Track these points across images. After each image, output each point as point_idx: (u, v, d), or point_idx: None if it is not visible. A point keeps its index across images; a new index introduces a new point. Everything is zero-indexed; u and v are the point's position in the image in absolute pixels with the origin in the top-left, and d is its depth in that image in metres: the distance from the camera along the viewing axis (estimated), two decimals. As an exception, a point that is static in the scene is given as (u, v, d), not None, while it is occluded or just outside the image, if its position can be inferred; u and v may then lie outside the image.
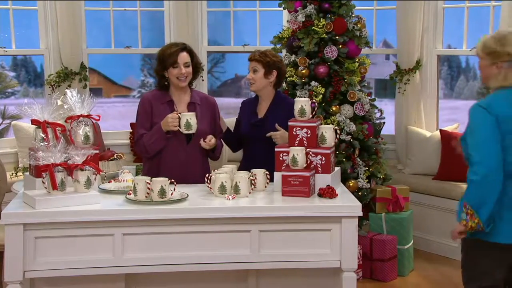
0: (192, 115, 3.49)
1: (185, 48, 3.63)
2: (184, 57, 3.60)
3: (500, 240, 2.80)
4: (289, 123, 3.27)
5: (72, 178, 2.96)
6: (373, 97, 4.96)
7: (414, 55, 5.68)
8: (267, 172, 3.22)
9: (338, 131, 3.30)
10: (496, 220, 2.80)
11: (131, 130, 5.78)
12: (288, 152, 3.15)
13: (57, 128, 3.14)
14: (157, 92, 3.69)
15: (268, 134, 3.58)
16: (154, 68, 3.72)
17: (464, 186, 4.98)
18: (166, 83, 3.65)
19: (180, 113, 3.51)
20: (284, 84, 4.77)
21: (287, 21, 5.02)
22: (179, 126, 3.47)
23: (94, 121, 3.23)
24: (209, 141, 3.55)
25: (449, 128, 5.59)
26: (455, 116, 8.76)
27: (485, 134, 2.78)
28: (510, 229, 2.81)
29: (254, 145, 3.70)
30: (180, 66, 3.57)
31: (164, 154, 3.57)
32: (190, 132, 3.49)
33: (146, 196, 2.98)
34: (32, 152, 3.06)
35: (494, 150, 2.77)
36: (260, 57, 3.68)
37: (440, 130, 5.49)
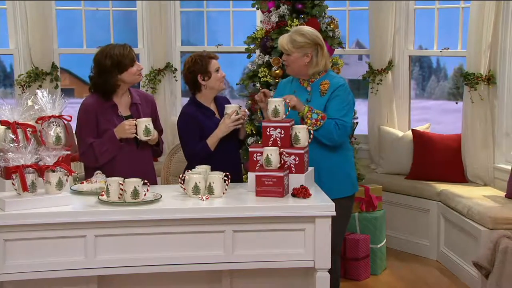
0: (149, 121, 3.43)
1: None
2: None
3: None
4: (263, 124, 3.28)
5: (43, 179, 2.92)
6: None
7: (386, 55, 5.74)
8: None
9: (311, 131, 3.31)
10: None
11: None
12: (262, 152, 3.15)
13: (27, 129, 3.10)
14: (97, 97, 3.54)
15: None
16: (107, 77, 3.47)
17: (436, 185, 5.09)
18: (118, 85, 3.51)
19: (136, 120, 3.44)
20: (257, 84, 4.78)
21: (261, 21, 5.02)
22: (136, 133, 3.41)
23: (65, 122, 3.19)
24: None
25: (421, 128, 5.66)
26: (426, 116, 8.86)
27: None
28: None
29: (225, 142, 3.63)
30: (137, 62, 3.54)
31: (117, 160, 3.48)
32: (149, 137, 3.43)
33: (119, 197, 2.96)
34: (1, 154, 3.01)
35: None
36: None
37: (412, 130, 5.55)
